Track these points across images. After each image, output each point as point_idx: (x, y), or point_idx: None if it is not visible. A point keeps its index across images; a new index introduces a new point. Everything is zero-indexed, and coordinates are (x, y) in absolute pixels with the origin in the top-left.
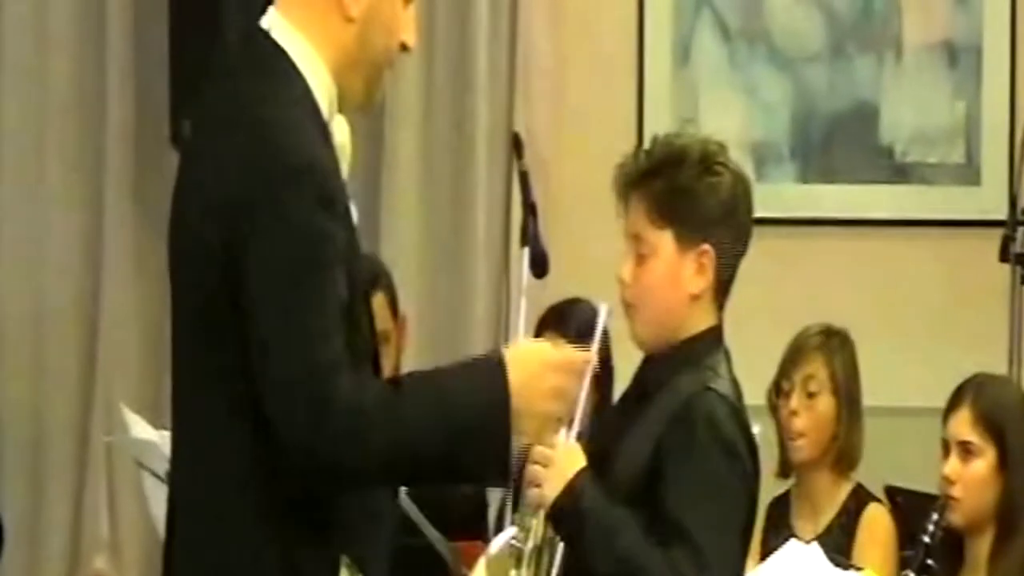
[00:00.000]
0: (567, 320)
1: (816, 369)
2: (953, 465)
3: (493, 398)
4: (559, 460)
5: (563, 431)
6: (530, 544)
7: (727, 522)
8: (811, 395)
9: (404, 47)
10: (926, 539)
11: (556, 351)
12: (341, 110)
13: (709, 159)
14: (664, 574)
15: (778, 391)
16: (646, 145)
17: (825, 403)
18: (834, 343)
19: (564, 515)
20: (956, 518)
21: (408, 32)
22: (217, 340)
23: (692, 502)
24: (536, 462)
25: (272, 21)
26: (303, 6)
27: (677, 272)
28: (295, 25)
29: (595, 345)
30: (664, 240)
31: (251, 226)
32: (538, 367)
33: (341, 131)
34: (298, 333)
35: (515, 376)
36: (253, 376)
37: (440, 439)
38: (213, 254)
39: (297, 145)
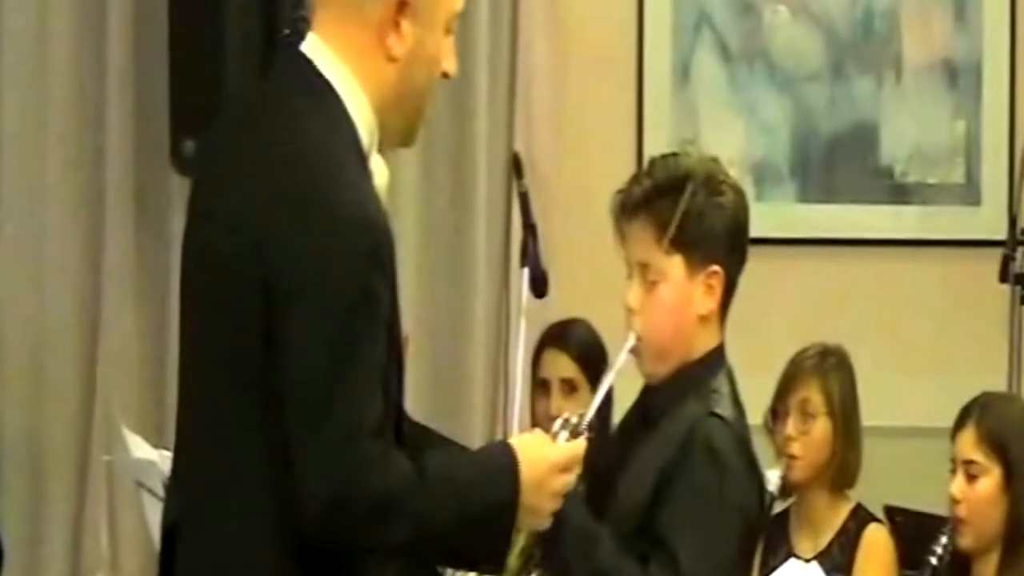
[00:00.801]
0: (567, 339)
1: (811, 392)
2: (959, 485)
3: (503, 500)
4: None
5: (562, 435)
6: None
7: (713, 541)
8: (807, 418)
9: (445, 75)
10: (933, 560)
11: (562, 452)
12: (380, 148)
13: (713, 179)
14: None
15: (774, 415)
16: (643, 168)
17: (821, 426)
18: (829, 364)
19: None
20: (964, 542)
21: (449, 60)
22: (248, 373)
23: (679, 519)
24: None
25: (315, 50)
26: (346, 40)
27: (688, 296)
28: (340, 58)
29: (616, 367)
30: (674, 265)
31: (298, 278)
32: (547, 470)
33: (380, 173)
34: (333, 398)
35: (525, 477)
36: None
37: (451, 532)
38: (249, 299)
39: (351, 198)
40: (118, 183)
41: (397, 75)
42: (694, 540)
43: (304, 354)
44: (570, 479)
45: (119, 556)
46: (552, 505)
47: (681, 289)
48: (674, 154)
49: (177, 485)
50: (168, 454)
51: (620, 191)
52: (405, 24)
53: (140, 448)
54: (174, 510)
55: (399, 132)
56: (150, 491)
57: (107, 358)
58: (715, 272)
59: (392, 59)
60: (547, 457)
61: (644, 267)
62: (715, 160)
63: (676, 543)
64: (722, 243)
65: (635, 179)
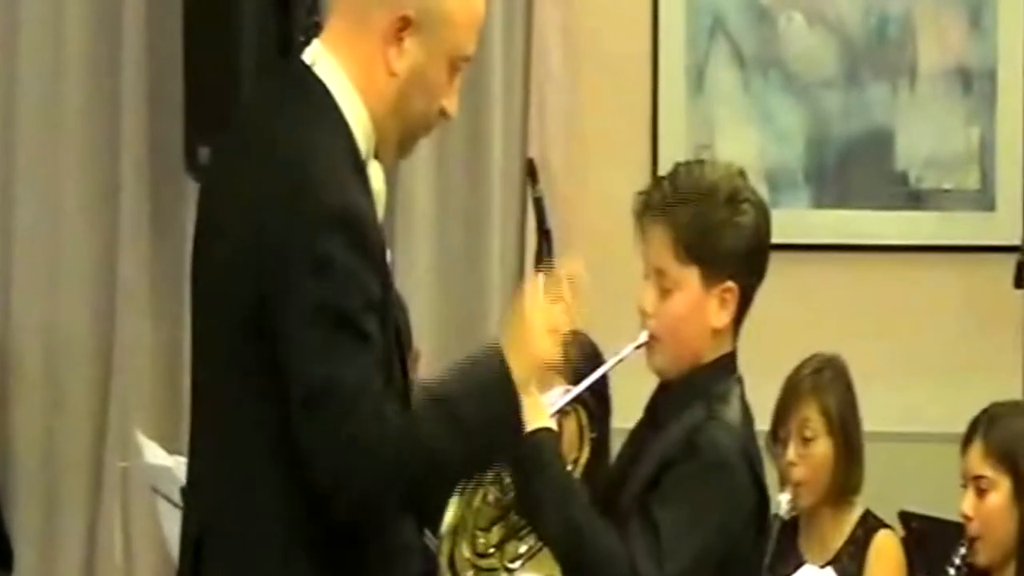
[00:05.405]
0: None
1: (810, 413)
2: (970, 501)
3: (497, 378)
4: (527, 404)
5: (552, 391)
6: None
7: (697, 526)
8: (807, 442)
9: (444, 113)
10: (951, 571)
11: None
12: (377, 155)
13: (736, 196)
14: (614, 557)
15: (775, 438)
16: (667, 173)
17: (822, 447)
18: (825, 379)
19: (520, 457)
20: (980, 559)
21: (450, 100)
22: (248, 374)
23: (667, 499)
24: None
25: (316, 56)
26: (350, 50)
27: (701, 308)
28: (341, 65)
29: (619, 357)
30: (689, 277)
31: (285, 271)
32: (521, 327)
33: (376, 177)
34: (331, 380)
35: (513, 358)
36: (287, 413)
37: (466, 435)
38: (246, 294)
39: (333, 191)
40: (133, 190)
41: (395, 91)
42: (677, 516)
43: (298, 349)
44: (552, 314)
45: (134, 561)
46: (543, 344)
47: (695, 300)
48: (700, 162)
49: (194, 492)
50: (183, 460)
51: (642, 192)
52: (408, 41)
53: (155, 454)
54: (195, 519)
55: (394, 146)
56: (165, 497)
57: (121, 364)
58: (730, 288)
59: (392, 73)
60: (521, 327)
61: (660, 273)
62: (742, 174)
63: (660, 515)
64: (739, 260)
65: (658, 183)
